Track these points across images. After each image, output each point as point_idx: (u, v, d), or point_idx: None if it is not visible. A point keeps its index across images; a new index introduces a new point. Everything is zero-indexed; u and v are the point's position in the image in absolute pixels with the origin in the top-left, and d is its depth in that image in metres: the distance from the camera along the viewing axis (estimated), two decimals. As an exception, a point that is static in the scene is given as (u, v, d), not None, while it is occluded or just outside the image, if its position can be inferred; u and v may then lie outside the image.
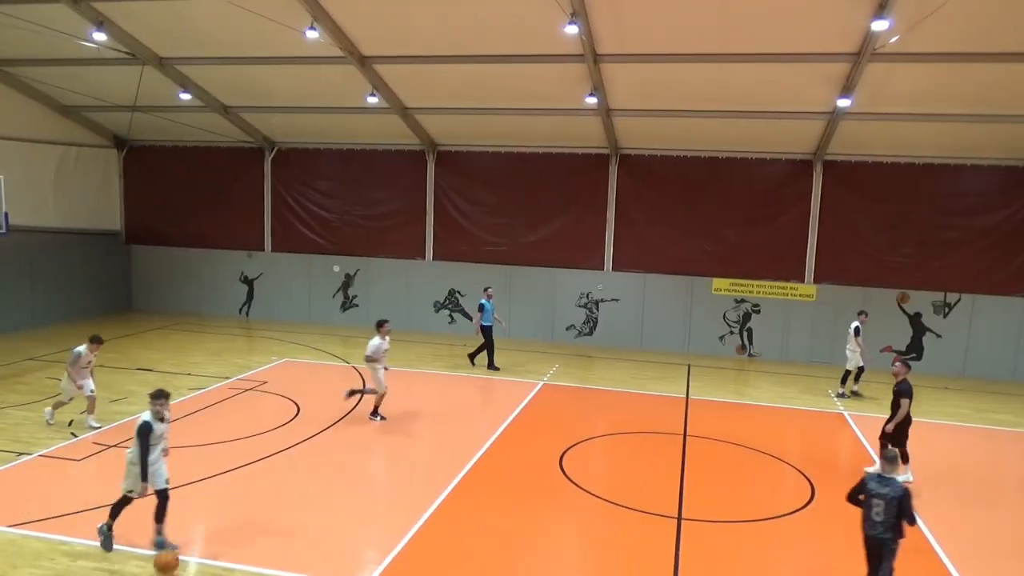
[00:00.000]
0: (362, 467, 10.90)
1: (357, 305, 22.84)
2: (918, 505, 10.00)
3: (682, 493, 10.26)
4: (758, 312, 20.30)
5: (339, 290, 22.95)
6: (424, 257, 22.44)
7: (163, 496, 7.97)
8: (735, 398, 16.09)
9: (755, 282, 20.22)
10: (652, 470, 11.27)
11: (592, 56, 15.52)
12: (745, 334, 20.49)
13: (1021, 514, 10.41)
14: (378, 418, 13.06)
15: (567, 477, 10.68)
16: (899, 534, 6.93)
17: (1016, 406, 16.26)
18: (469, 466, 10.94)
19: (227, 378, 15.58)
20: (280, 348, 19.03)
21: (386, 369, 13.27)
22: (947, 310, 19.14)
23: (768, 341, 20.34)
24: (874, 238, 19.56)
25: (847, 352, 16.36)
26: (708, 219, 20.42)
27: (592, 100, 17.00)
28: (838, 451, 12.95)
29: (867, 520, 7.03)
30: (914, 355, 19.10)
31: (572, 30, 13.69)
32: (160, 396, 8.08)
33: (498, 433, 12.64)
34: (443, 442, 12.26)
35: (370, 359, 12.95)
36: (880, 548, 6.97)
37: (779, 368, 19.20)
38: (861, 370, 16.31)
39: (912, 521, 6.97)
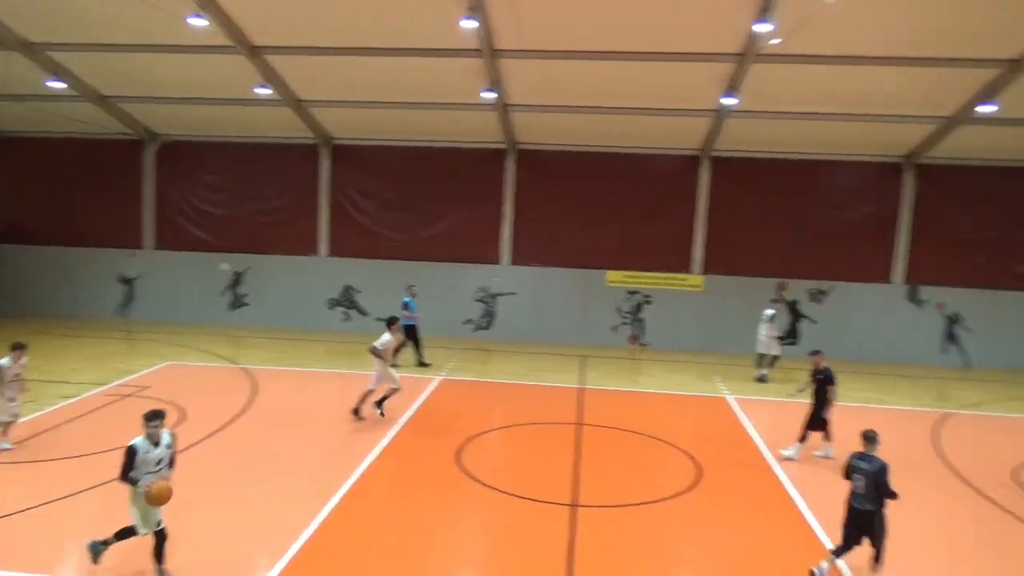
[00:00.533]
0: (252, 471, 10.50)
1: (247, 304, 22.06)
2: (801, 482, 10.62)
3: (577, 481, 10.48)
4: (650, 303, 20.96)
5: (227, 288, 22.09)
6: (318, 253, 21.92)
7: (160, 536, 7.31)
8: (628, 386, 16.57)
9: (647, 274, 20.88)
10: (547, 460, 11.44)
11: (490, 51, 15.57)
12: (637, 324, 21.11)
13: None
14: (379, 411, 13.09)
15: (463, 471, 10.69)
16: (881, 505, 7.38)
17: (878, 384, 17.56)
18: (365, 465, 10.77)
19: (104, 384, 14.70)
20: (164, 351, 18.12)
21: (395, 367, 13.45)
22: (821, 297, 20.40)
23: (660, 331, 21.04)
24: (756, 230, 20.60)
25: (761, 337, 17.16)
26: (603, 213, 20.92)
27: (490, 95, 17.05)
28: (722, 434, 13.51)
29: (852, 494, 7.53)
30: (791, 340, 20.21)
31: (470, 25, 13.68)
32: (153, 417, 7.23)
33: (395, 430, 12.50)
34: (338, 441, 12.03)
35: (374, 351, 12.96)
36: (866, 519, 7.39)
37: (670, 356, 19.90)
38: (762, 356, 17.18)
39: (891, 495, 7.35)
